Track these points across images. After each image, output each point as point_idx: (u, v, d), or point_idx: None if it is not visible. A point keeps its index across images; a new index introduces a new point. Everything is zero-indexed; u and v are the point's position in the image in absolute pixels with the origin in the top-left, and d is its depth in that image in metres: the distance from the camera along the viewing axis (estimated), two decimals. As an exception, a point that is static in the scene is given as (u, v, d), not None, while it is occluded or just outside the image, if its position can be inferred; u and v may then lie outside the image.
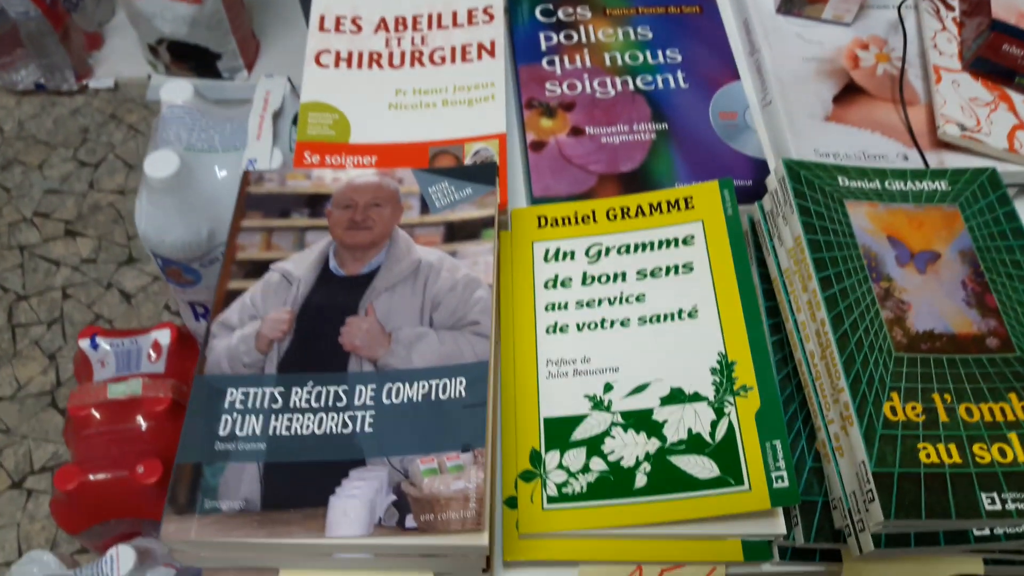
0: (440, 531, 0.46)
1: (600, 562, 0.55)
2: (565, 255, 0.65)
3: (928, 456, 0.52)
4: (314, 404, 0.51)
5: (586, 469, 0.55)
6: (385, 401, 0.51)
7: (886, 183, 0.64)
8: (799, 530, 0.55)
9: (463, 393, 0.51)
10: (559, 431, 0.57)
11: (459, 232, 0.59)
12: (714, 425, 0.56)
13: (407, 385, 0.51)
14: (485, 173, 0.62)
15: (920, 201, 0.63)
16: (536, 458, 0.56)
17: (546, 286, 0.64)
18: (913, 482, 0.51)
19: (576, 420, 0.57)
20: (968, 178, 0.65)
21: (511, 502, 0.55)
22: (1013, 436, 0.53)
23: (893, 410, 0.53)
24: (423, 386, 0.51)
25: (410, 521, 0.47)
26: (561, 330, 0.61)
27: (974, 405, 0.54)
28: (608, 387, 0.58)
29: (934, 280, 0.59)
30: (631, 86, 0.78)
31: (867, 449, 0.51)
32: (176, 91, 0.94)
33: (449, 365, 0.52)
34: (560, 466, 0.56)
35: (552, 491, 0.55)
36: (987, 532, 0.53)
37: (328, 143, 0.71)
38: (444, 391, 0.51)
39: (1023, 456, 0.53)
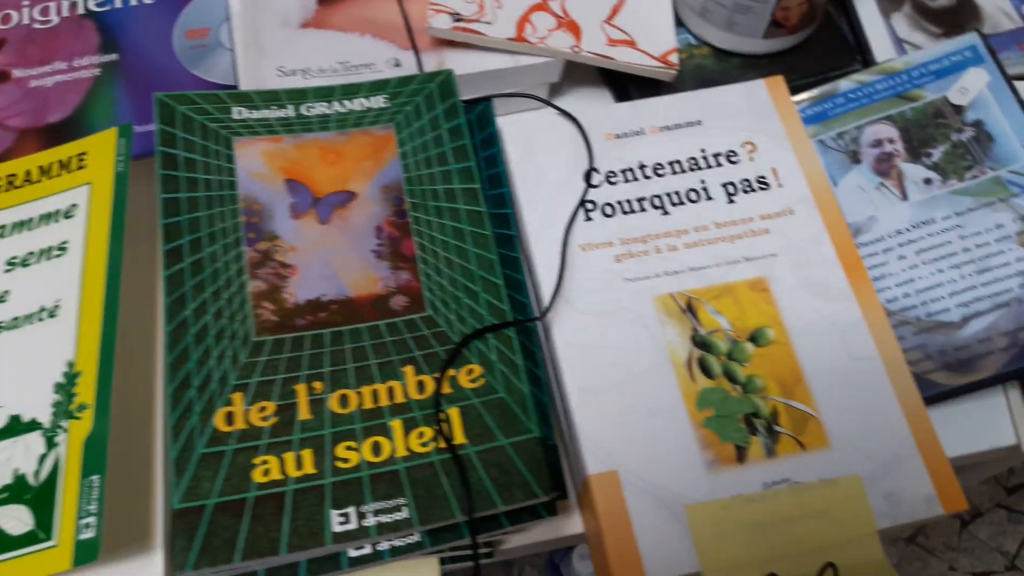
0: None
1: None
2: (-69, 249, 0.51)
3: (267, 473, 0.41)
4: None
5: None
6: None
7: (303, 108, 0.51)
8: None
9: None
10: None
11: None
12: (41, 461, 0.44)
13: None
14: None
15: (346, 126, 0.50)
16: None
17: (-103, 294, 0.50)
18: (234, 513, 0.39)
19: None
20: (415, 88, 0.52)
21: None
22: (396, 424, 0.42)
23: (229, 417, 0.41)
24: None
25: None
26: (-98, 352, 0.48)
27: (353, 391, 0.43)
28: (-62, 423, 0.46)
29: (339, 230, 0.47)
30: (80, 9, 0.62)
31: (175, 479, 0.40)
32: None
33: None
34: None
35: None
36: (368, 550, 0.42)
37: None
38: None
39: (403, 449, 0.42)
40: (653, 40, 0.60)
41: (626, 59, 0.59)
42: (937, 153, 0.56)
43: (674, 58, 0.60)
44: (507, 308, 0.45)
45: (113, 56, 0.60)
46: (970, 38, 0.59)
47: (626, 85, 0.62)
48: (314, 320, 0.44)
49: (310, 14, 0.60)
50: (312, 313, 0.44)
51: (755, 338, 0.48)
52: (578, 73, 0.63)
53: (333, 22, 0.60)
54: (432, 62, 0.59)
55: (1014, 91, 0.57)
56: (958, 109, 0.57)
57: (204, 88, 0.59)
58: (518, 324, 0.45)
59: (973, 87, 0.57)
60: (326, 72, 0.58)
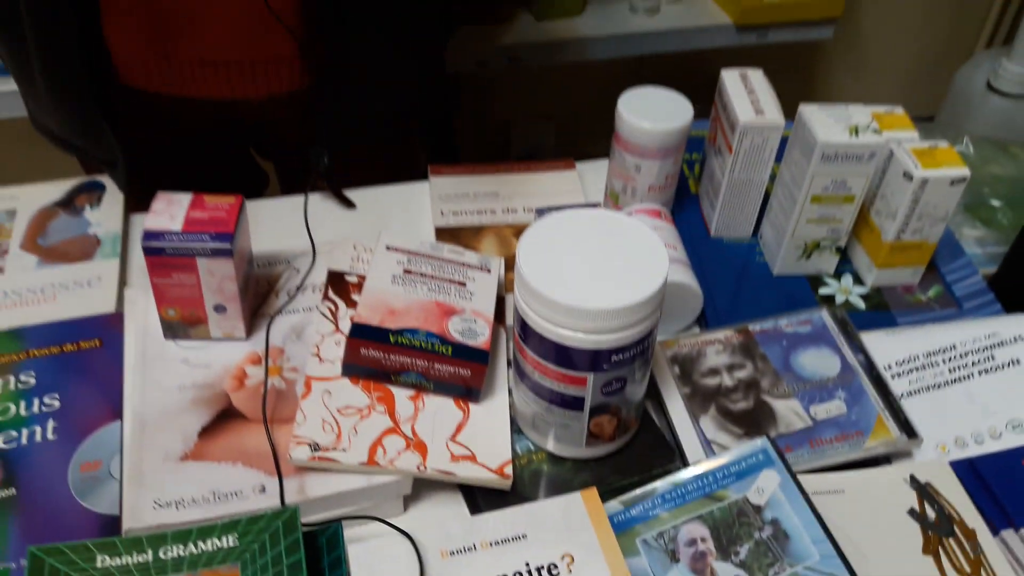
0: None
1: None
2: None
3: None
4: None
5: None
6: None
7: (161, 551, 0.57)
8: None
9: None
10: None
11: None
12: None
13: None
14: None
15: (198, 566, 0.56)
16: None
17: None
18: None
19: None
20: (262, 526, 0.59)
21: None
22: None
23: None
24: None
25: None
26: None
27: None
28: None
29: (175, 675, 0.51)
30: (-11, 449, 0.71)
31: None
32: None
33: None
34: None
35: None
36: None
37: None
38: None
39: None
40: (491, 454, 0.69)
41: (465, 474, 0.67)
42: (743, 551, 0.63)
43: (508, 470, 0.68)
44: None
45: (11, 491, 0.67)
46: (761, 442, 0.68)
47: (474, 493, 0.70)
48: None
49: (191, 447, 0.69)
50: None
51: None
52: (435, 482, 0.71)
53: (210, 453, 0.69)
54: (294, 485, 0.66)
55: (802, 491, 0.65)
56: (757, 508, 0.65)
57: (89, 520, 0.65)
58: None
59: (767, 488, 0.66)
60: (198, 502, 0.65)
